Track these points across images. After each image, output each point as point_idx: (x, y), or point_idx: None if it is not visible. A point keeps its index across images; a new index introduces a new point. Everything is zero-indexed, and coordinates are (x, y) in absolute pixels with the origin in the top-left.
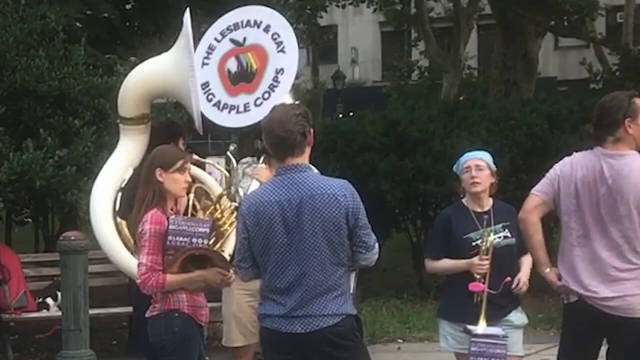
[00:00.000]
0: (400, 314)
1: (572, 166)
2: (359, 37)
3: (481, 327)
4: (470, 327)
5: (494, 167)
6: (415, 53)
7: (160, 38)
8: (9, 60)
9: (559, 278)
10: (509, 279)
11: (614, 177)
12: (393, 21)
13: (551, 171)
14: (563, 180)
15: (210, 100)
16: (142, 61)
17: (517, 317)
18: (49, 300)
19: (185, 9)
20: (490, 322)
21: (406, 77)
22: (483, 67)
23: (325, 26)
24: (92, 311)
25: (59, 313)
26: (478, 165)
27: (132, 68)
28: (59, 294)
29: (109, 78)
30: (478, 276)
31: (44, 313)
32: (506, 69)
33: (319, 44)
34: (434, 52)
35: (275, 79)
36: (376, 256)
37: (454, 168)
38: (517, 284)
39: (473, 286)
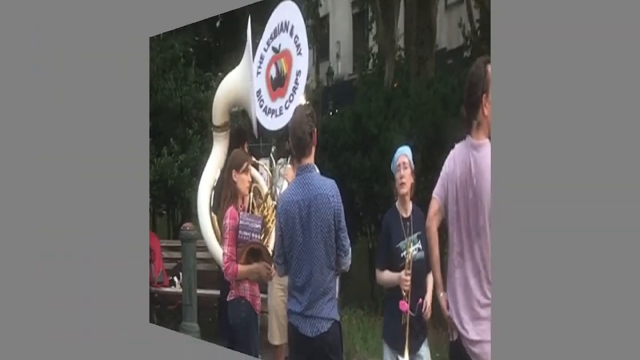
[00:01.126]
0: (363, 328)
1: (455, 162)
2: (340, 27)
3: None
4: (400, 358)
5: (412, 165)
6: (371, 39)
7: (235, 53)
8: (153, 84)
9: (448, 306)
10: (421, 300)
11: (477, 176)
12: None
13: (443, 167)
14: (449, 180)
15: (261, 106)
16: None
17: (425, 352)
18: (176, 279)
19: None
20: (411, 353)
21: (365, 67)
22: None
23: (323, 18)
24: (199, 291)
25: (181, 290)
26: (404, 163)
27: (219, 82)
28: (181, 274)
29: (207, 93)
30: (404, 293)
31: (172, 289)
32: (419, 44)
33: (320, 40)
34: (381, 33)
35: (296, 81)
36: (350, 262)
37: (392, 167)
38: (425, 308)
39: (401, 305)
